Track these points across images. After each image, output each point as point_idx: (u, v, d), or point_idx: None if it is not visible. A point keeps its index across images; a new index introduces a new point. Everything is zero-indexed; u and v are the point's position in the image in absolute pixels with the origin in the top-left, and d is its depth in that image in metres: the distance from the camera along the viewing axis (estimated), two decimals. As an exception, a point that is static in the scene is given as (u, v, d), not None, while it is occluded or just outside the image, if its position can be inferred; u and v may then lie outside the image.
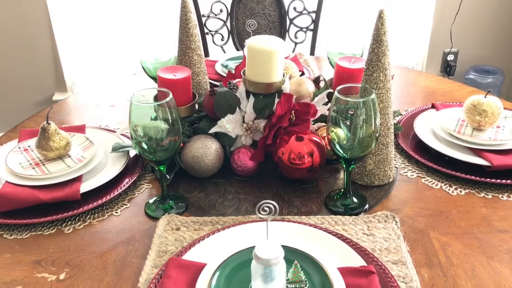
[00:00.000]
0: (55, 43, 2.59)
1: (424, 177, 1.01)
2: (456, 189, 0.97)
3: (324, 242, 0.80)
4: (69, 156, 1.03)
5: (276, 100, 1.00)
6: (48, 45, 2.60)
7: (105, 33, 2.62)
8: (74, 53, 2.66)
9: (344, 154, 0.87)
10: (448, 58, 2.82)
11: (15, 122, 1.33)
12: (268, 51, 0.98)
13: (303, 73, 1.41)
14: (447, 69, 2.83)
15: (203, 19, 1.89)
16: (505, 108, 1.13)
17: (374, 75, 0.92)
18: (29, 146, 1.06)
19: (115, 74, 2.65)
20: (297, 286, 0.70)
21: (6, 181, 0.95)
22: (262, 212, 0.65)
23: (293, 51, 1.92)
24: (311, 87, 1.06)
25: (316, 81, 1.11)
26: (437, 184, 0.99)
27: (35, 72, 2.66)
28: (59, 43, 2.59)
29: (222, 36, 1.91)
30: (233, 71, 1.21)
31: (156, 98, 0.98)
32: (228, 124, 1.02)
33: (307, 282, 0.71)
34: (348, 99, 0.83)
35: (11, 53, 2.60)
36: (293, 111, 0.98)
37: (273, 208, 0.65)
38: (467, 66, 2.81)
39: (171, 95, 0.84)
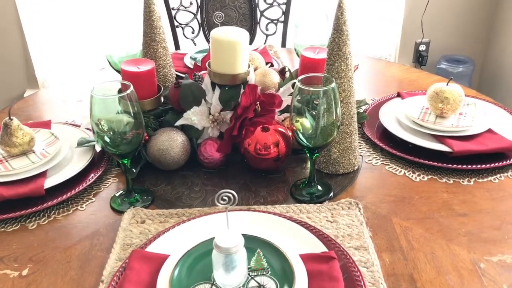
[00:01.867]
0: (25, 40, 2.55)
1: (389, 165, 1.03)
2: (419, 175, 0.99)
3: (288, 230, 0.81)
4: (34, 152, 1.01)
5: (242, 91, 1.01)
6: (18, 42, 2.56)
7: (74, 29, 2.59)
8: (44, 49, 2.62)
9: (308, 143, 0.88)
10: (420, 49, 2.86)
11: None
12: (232, 42, 0.99)
13: (272, 65, 1.41)
14: (419, 59, 2.88)
15: (173, 12, 1.88)
16: (466, 95, 1.16)
17: (336, 64, 0.93)
18: (-8, 143, 1.04)
19: (86, 69, 2.62)
20: (259, 273, 0.71)
21: (-32, 179, 0.94)
22: (221, 202, 0.65)
23: (264, 43, 1.92)
24: (276, 78, 1.07)
25: (282, 72, 1.11)
26: (400, 171, 1.01)
27: (6, 69, 2.62)
28: (29, 40, 2.55)
29: (193, 29, 1.90)
30: (199, 64, 1.20)
31: (120, 91, 0.97)
32: (194, 116, 1.02)
33: (269, 269, 0.72)
34: (310, 88, 0.84)
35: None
36: (258, 102, 0.99)
37: (232, 197, 0.65)
38: (438, 56, 2.86)
39: (131, 88, 0.84)
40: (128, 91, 0.83)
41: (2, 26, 2.50)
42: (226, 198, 0.65)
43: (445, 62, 2.80)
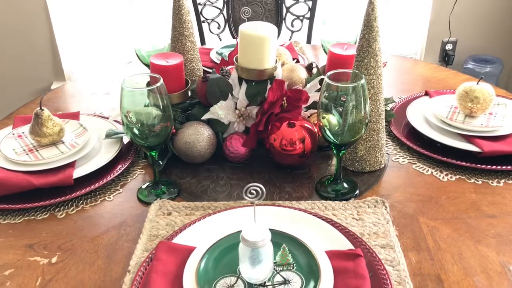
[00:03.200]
0: (53, 33, 2.59)
1: (416, 163, 1.02)
2: (446, 175, 0.98)
3: (313, 226, 0.81)
4: (63, 142, 1.03)
5: (268, 86, 1.01)
6: (46, 35, 2.60)
7: (102, 22, 2.62)
8: (72, 42, 2.66)
9: (334, 140, 0.87)
10: (447, 48, 2.81)
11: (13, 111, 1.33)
12: (260, 37, 0.98)
13: (297, 61, 1.41)
14: (446, 58, 2.83)
15: (199, 7, 1.89)
16: (497, 95, 1.14)
17: (365, 61, 0.92)
18: (23, 133, 1.06)
19: (112, 62, 2.65)
20: (285, 268, 0.71)
21: (0, 167, 0.96)
22: (249, 195, 0.66)
23: (289, 40, 1.92)
24: (303, 74, 1.06)
25: (309, 67, 1.11)
26: (428, 170, 0.99)
27: (33, 62, 2.67)
28: (56, 33, 2.59)
29: (219, 25, 1.91)
30: (226, 58, 1.21)
31: (149, 84, 0.98)
32: (221, 111, 1.02)
33: (294, 265, 0.72)
34: (339, 84, 0.83)
35: (9, 44, 2.60)
36: (285, 98, 0.98)
37: (260, 191, 0.65)
38: (465, 55, 2.81)
39: (161, 81, 0.84)
40: (158, 84, 0.84)
41: (30, 19, 2.55)
42: (254, 192, 0.66)
43: (472, 62, 2.75)
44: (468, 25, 2.76)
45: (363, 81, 0.82)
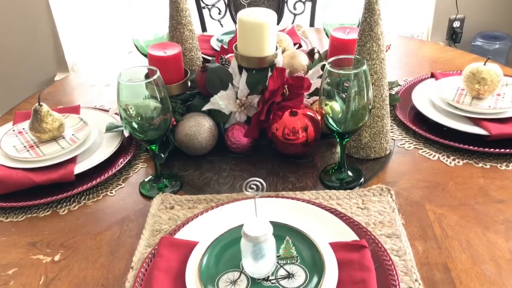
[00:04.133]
0: (54, 23, 2.58)
1: (422, 149, 1.00)
2: (454, 160, 0.96)
3: (318, 217, 0.79)
4: (63, 138, 1.02)
5: (269, 74, 0.98)
6: (47, 26, 2.58)
7: (103, 11, 2.59)
8: (74, 32, 2.64)
9: (338, 128, 0.86)
10: (454, 25, 2.76)
11: (18, 103, 1.32)
12: (259, 24, 0.96)
13: (300, 46, 1.38)
14: (453, 36, 2.78)
15: (200, -7, 1.85)
16: (505, 75, 1.10)
17: (367, 45, 0.89)
18: (23, 129, 1.05)
19: (115, 52, 2.63)
20: (288, 262, 0.70)
21: (1, 165, 0.95)
22: (249, 190, 0.64)
23: (292, 23, 1.88)
24: (304, 60, 1.04)
25: (310, 53, 1.08)
26: (434, 156, 0.97)
27: (36, 53, 2.65)
28: (58, 23, 2.58)
29: (219, 10, 1.88)
30: (226, 46, 1.18)
31: (147, 76, 0.96)
32: (221, 101, 1.00)
33: (298, 257, 0.71)
34: (340, 71, 0.81)
35: (11, 37, 2.58)
36: (286, 86, 0.96)
37: (260, 185, 0.64)
38: (473, 32, 2.75)
39: (158, 73, 0.83)
40: (155, 77, 0.82)
41: (31, 11, 2.53)
42: (254, 186, 0.64)
43: (481, 39, 2.69)
44: (476, 1, 2.70)
45: (365, 67, 0.80)
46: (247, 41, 0.98)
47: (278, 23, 1.90)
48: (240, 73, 1.00)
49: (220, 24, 1.89)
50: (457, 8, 2.68)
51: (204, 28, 1.91)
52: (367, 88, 0.82)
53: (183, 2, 1.08)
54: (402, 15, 2.74)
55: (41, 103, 0.99)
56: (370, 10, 0.87)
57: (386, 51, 1.07)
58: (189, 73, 1.06)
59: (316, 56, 1.09)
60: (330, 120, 0.85)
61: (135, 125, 0.85)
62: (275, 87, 0.96)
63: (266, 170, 0.97)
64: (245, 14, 0.98)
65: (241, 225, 0.66)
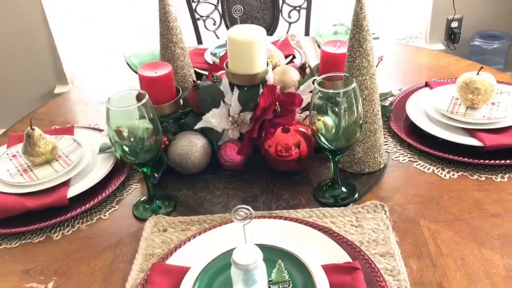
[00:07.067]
0: (52, 37, 2.58)
1: (416, 161, 0.99)
2: (448, 172, 0.95)
3: (311, 238, 0.79)
4: (57, 160, 1.02)
5: (261, 91, 0.98)
6: (44, 39, 2.59)
7: (99, 24, 2.60)
8: (72, 44, 2.64)
9: (330, 146, 0.85)
10: (452, 25, 2.74)
11: (18, 118, 1.32)
12: (249, 42, 0.96)
13: (294, 57, 1.38)
14: (452, 36, 2.76)
15: (193, 4, 1.85)
16: (499, 82, 1.09)
17: (357, 61, 0.89)
18: (17, 152, 1.05)
19: (112, 64, 2.64)
20: (281, 286, 0.70)
21: (-6, 190, 0.95)
22: (237, 217, 0.64)
23: (287, 32, 1.88)
24: (295, 76, 1.03)
25: (302, 68, 1.08)
26: (429, 168, 0.96)
27: (35, 67, 2.66)
28: (55, 36, 2.58)
29: (214, 21, 1.87)
30: (218, 62, 1.18)
31: (138, 97, 0.96)
32: (214, 119, 1.00)
33: (290, 282, 0.70)
34: (330, 91, 0.80)
35: (9, 49, 2.59)
36: (277, 102, 0.96)
37: (248, 213, 0.64)
38: (472, 32, 2.73)
39: (147, 97, 0.82)
40: (144, 101, 0.82)
41: (28, 24, 2.53)
42: (242, 214, 0.64)
43: (479, 39, 2.67)
44: (473, 0, 2.68)
45: (354, 85, 0.79)
46: (237, 59, 0.98)
47: (273, 32, 1.90)
48: (232, 90, 1.00)
49: (216, 35, 1.89)
50: (454, 8, 2.67)
51: (199, 40, 1.91)
52: (357, 104, 0.81)
53: (173, 20, 1.07)
54: (400, 18, 2.73)
55: (33, 127, 0.99)
56: (358, 27, 0.86)
57: (378, 63, 1.06)
58: (181, 91, 1.06)
59: (307, 71, 1.08)
60: (322, 138, 0.84)
61: (126, 148, 0.85)
62: (266, 104, 0.96)
63: (260, 188, 0.97)
64: (234, 32, 0.97)
65: (233, 249, 0.66)
